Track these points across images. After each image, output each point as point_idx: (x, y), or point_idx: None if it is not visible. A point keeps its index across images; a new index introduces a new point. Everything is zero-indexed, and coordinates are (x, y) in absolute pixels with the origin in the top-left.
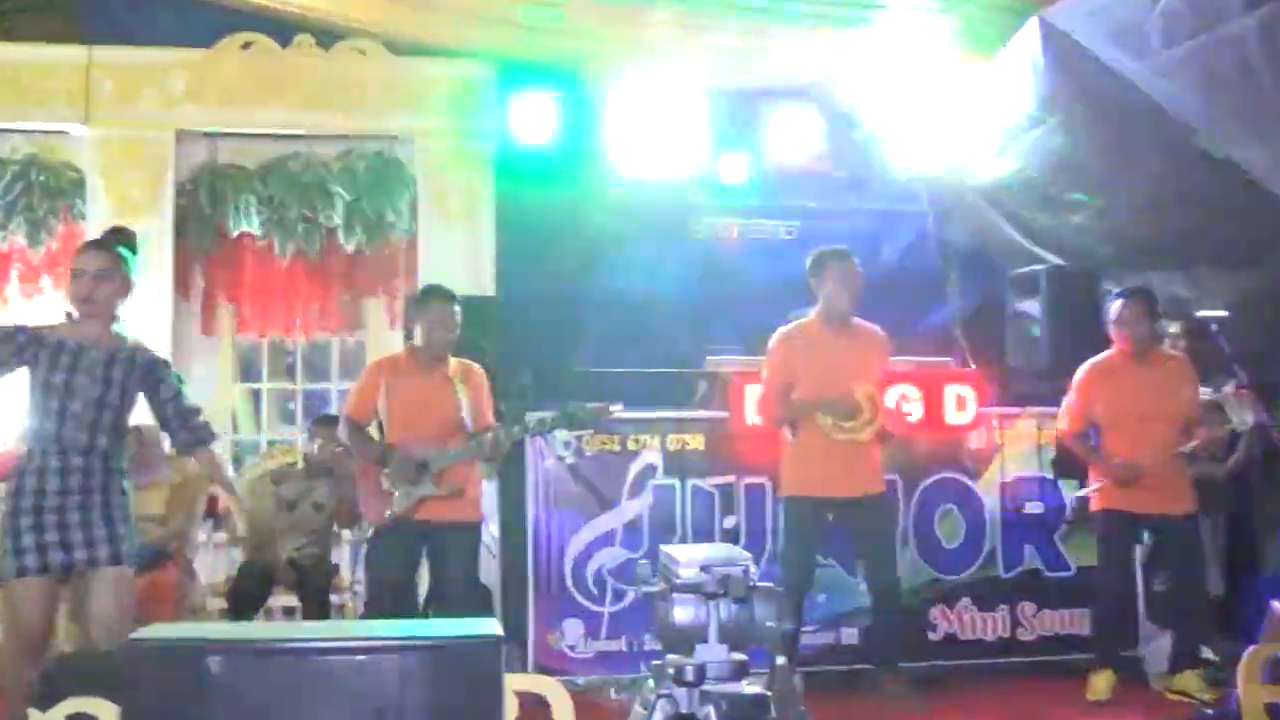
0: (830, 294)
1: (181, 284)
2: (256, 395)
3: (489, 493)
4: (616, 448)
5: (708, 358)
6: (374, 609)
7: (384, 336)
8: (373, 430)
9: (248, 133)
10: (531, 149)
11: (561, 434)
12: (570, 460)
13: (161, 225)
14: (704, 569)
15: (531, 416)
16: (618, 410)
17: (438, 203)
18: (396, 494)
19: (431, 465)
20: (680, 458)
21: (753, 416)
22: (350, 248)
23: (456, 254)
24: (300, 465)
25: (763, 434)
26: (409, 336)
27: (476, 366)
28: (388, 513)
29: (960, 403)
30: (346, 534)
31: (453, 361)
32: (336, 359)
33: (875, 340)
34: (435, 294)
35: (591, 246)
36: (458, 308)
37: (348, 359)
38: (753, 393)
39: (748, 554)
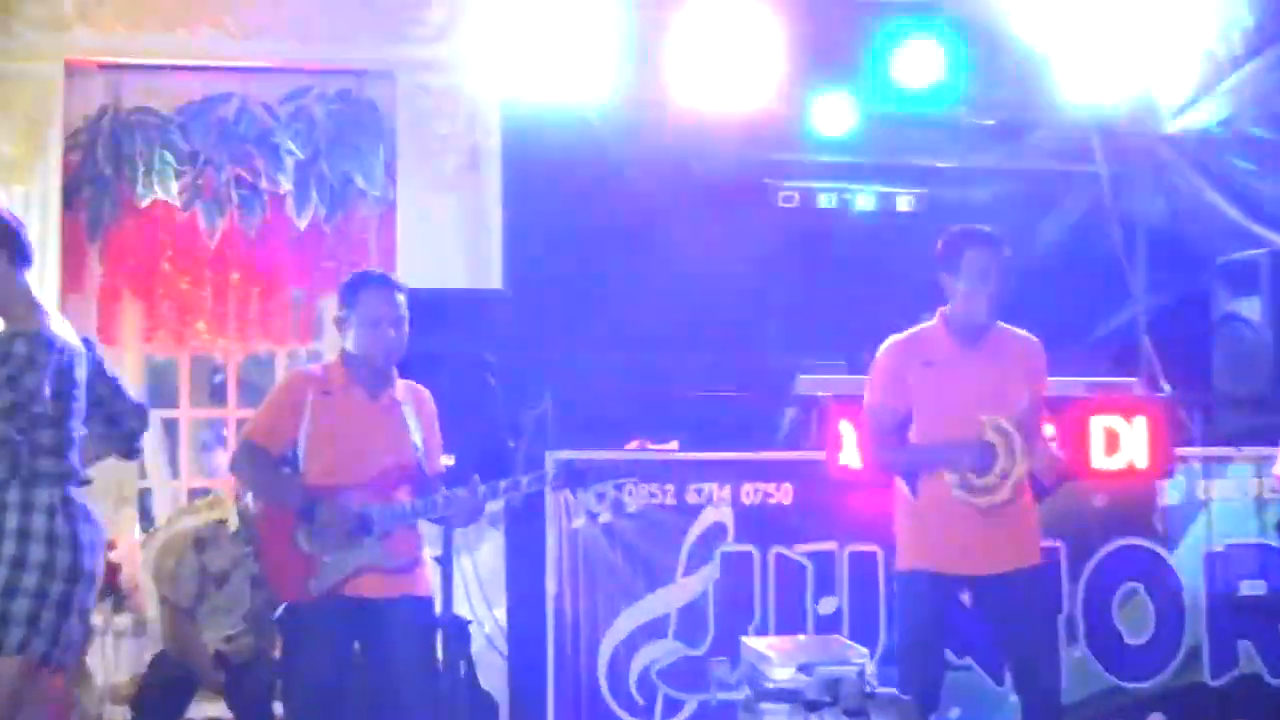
0: (965, 293)
1: (71, 272)
2: (171, 428)
3: (493, 565)
4: (670, 501)
5: (798, 377)
6: None
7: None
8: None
9: (162, 64)
10: (553, 91)
11: (594, 484)
12: (606, 519)
13: (44, 191)
14: (803, 670)
15: (553, 459)
16: (672, 449)
17: (425, 163)
18: (325, 560)
19: (377, 524)
20: (759, 516)
21: (859, 458)
22: (303, 224)
23: (450, 232)
24: (233, 524)
25: (874, 483)
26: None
27: (425, 392)
28: (310, 583)
29: (1149, 441)
30: None
31: (400, 383)
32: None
33: (1025, 354)
34: (367, 282)
35: (634, 222)
36: (401, 298)
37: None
38: (852, 425)
39: (863, 649)
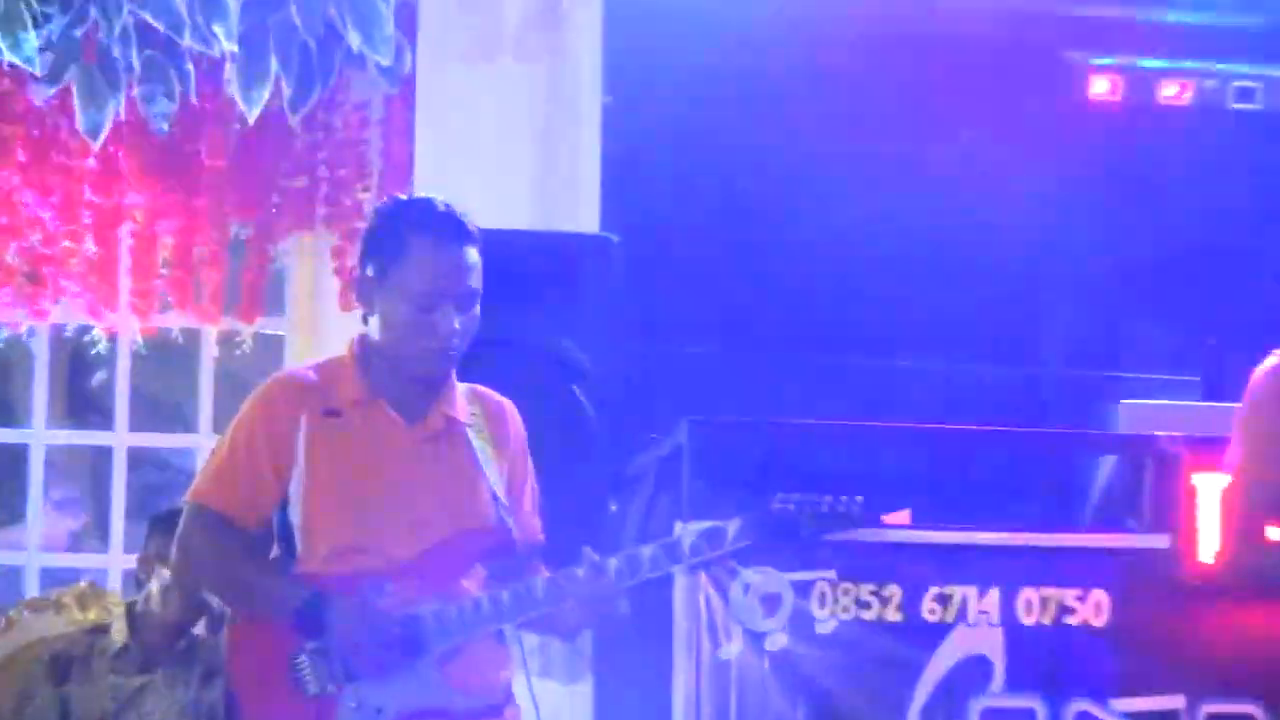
0: None
1: None
2: (16, 460)
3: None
4: (895, 616)
5: (1120, 404)
6: None
7: (327, 331)
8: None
9: None
10: None
11: (755, 576)
12: (780, 643)
13: None
14: None
15: (686, 527)
16: (901, 519)
17: (467, 12)
18: (349, 704)
19: (434, 637)
20: (1049, 646)
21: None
22: (254, 114)
23: (508, 134)
24: (119, 636)
25: (1254, 592)
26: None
27: (506, 404)
28: None
29: None
30: None
31: (461, 388)
32: (211, 382)
33: None
34: (419, 220)
35: (825, 129)
36: (475, 255)
37: (241, 383)
38: (1215, 489)
39: None
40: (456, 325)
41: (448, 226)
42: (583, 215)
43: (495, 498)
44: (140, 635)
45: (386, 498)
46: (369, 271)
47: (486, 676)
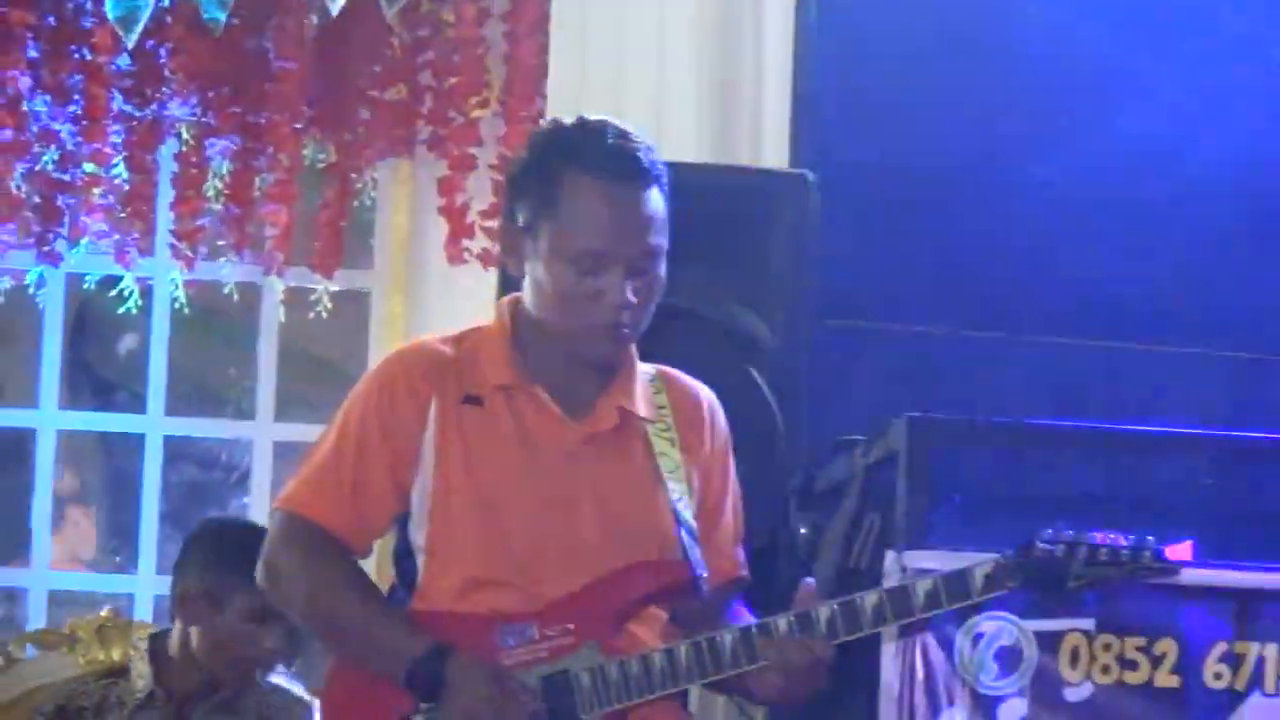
0: None
1: None
2: (22, 445)
3: None
4: (1168, 680)
5: None
6: None
7: (428, 289)
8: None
9: None
10: None
11: (989, 624)
12: (1020, 709)
13: None
14: None
15: (910, 557)
16: (1181, 554)
17: None
18: None
19: (585, 701)
20: None
21: None
22: (338, 8)
23: (670, 45)
24: (140, 680)
25: None
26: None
27: (704, 393)
28: None
29: None
30: None
31: (644, 371)
32: (274, 353)
33: None
34: (588, 157)
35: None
36: (660, 200)
37: (313, 355)
38: None
39: None
40: (630, 295)
41: (618, 161)
42: (765, 148)
43: (679, 519)
44: (168, 682)
45: (535, 515)
46: (518, 219)
47: None
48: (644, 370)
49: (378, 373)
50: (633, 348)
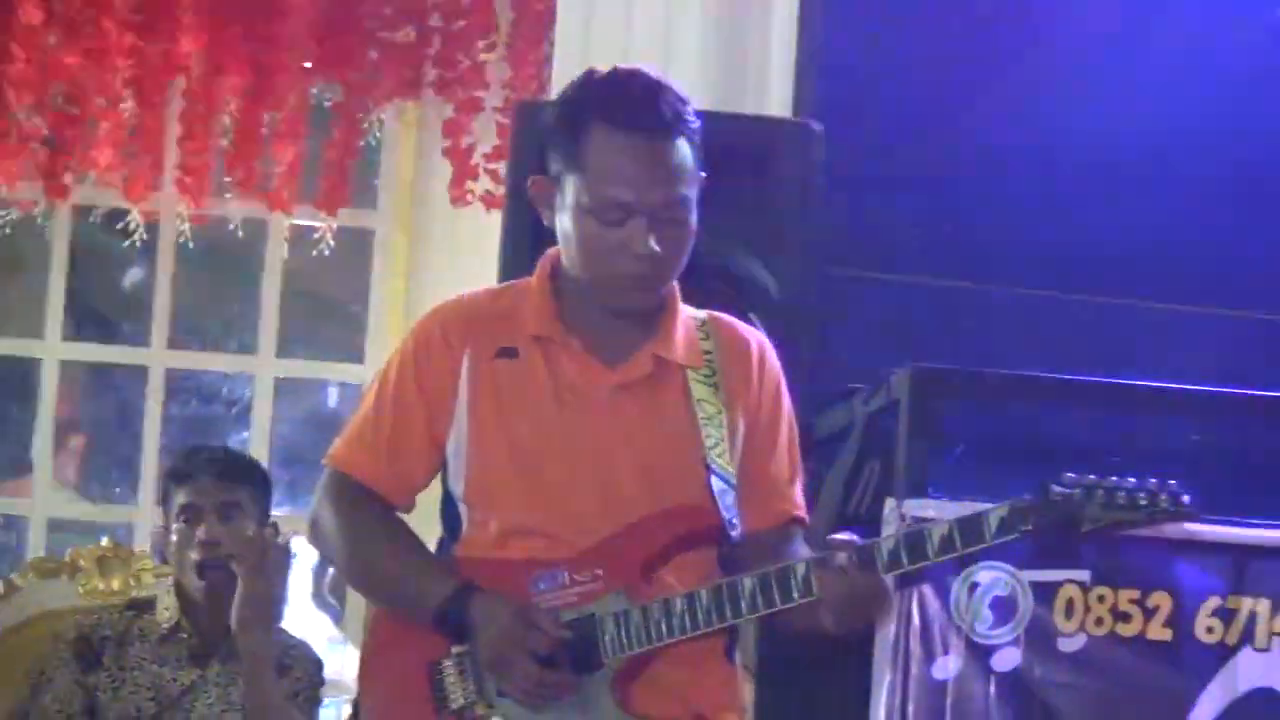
0: None
1: None
2: (27, 376)
3: None
4: (1160, 633)
5: None
6: None
7: (432, 229)
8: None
9: None
10: None
11: (984, 573)
12: (1013, 659)
13: None
14: None
15: (910, 506)
16: (1182, 515)
17: None
18: None
19: (611, 645)
20: None
21: None
22: None
23: (676, 1)
24: (165, 613)
25: None
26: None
27: (752, 336)
28: None
29: None
30: None
31: (694, 316)
32: (278, 289)
33: None
34: (610, 106)
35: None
36: (688, 149)
37: (315, 291)
38: None
39: None
40: (654, 245)
41: (642, 112)
42: (772, 96)
43: (710, 466)
44: (193, 617)
45: (569, 464)
46: (551, 168)
47: (696, 693)
48: (693, 316)
49: (416, 330)
50: (677, 293)
